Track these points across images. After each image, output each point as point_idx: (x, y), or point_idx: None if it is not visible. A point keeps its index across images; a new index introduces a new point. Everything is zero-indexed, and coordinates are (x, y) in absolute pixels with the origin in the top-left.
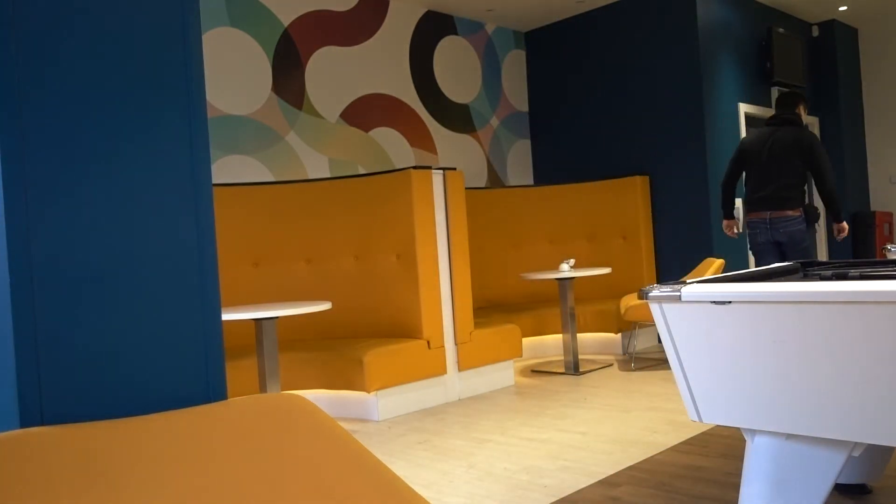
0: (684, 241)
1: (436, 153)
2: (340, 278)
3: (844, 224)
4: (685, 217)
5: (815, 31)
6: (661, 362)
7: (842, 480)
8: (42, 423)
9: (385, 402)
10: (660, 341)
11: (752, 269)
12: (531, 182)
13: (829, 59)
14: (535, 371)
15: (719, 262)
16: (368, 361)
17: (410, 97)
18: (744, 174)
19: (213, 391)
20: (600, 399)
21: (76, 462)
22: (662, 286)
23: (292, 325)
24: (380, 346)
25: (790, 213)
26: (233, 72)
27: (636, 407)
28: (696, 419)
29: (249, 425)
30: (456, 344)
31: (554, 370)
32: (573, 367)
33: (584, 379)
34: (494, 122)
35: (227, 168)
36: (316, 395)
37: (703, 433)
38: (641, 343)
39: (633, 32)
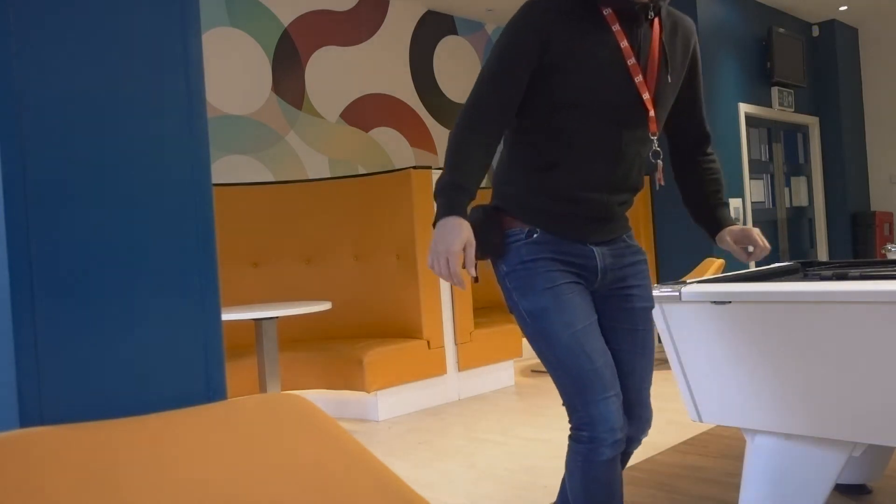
0: (684, 241)
1: (436, 153)
2: (340, 278)
3: None
4: (685, 217)
5: (815, 31)
6: (661, 362)
7: (842, 480)
8: (42, 423)
9: (385, 402)
10: (660, 341)
11: (753, 269)
12: None
13: (829, 59)
14: (535, 371)
15: (719, 262)
16: (368, 361)
17: (410, 97)
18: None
19: (213, 391)
20: None
21: (76, 462)
22: (662, 286)
23: (292, 325)
24: (380, 346)
25: None
26: (233, 72)
27: None
28: (696, 419)
29: (249, 425)
30: (456, 344)
31: None
32: None
33: None
34: None
35: (227, 168)
36: (316, 395)
37: (703, 433)
38: None
39: None
